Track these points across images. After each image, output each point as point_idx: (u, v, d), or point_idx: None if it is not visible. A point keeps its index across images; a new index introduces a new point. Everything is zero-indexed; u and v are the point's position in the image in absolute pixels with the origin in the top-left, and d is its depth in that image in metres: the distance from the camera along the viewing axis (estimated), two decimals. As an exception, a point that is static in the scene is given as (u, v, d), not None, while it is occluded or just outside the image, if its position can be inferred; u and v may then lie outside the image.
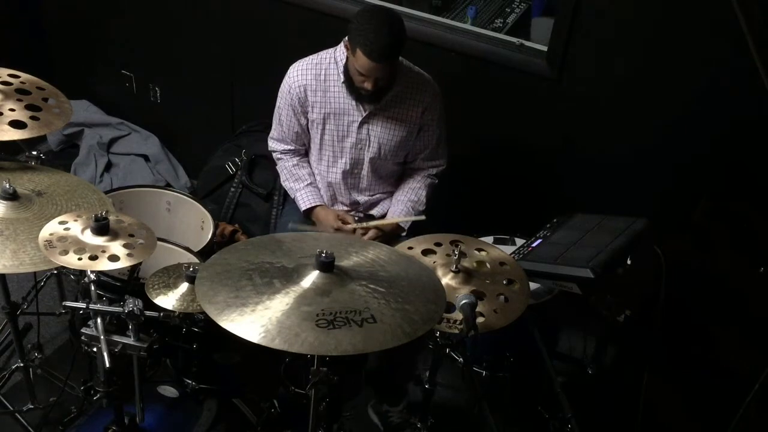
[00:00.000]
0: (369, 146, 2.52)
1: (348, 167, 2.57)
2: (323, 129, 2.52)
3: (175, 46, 3.65)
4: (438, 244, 2.05)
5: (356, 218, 2.60)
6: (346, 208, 2.66)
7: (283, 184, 2.71)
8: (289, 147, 2.64)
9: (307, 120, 2.53)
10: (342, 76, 2.42)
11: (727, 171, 2.62)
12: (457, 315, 1.79)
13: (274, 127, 2.64)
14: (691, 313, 2.54)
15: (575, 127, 2.83)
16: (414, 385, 2.57)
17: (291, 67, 2.51)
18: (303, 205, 2.61)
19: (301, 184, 2.63)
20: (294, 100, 2.49)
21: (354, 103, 2.46)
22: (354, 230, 2.50)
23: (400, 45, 2.30)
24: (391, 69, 2.35)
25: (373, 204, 2.67)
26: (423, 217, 2.51)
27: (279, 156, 2.68)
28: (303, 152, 2.66)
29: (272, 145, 2.69)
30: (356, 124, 2.48)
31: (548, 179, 2.96)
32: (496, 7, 3.08)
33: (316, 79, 2.46)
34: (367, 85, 2.33)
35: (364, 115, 2.47)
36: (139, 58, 3.81)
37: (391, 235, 2.55)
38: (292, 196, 2.67)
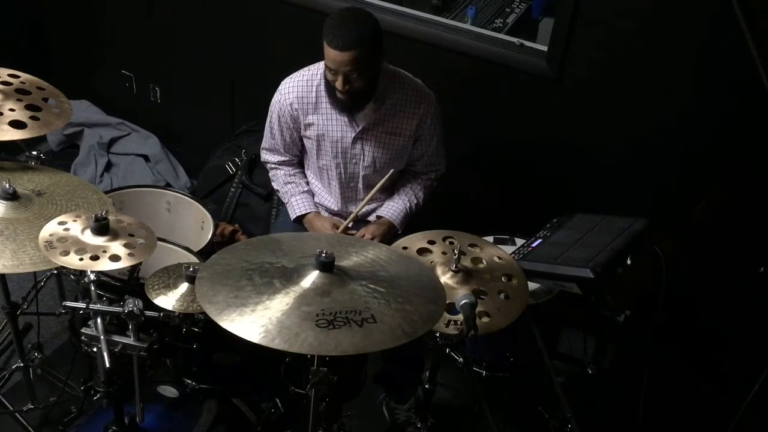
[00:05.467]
0: (363, 160, 2.50)
1: (344, 181, 2.56)
2: (318, 146, 2.51)
3: (176, 46, 3.65)
4: (432, 242, 2.05)
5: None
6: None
7: (277, 191, 2.71)
8: (283, 158, 2.63)
9: (301, 134, 2.53)
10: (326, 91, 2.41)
11: (727, 170, 2.62)
12: (461, 316, 1.78)
13: (266, 138, 2.62)
14: (691, 312, 2.55)
15: (575, 126, 2.83)
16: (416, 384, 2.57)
17: (282, 83, 2.48)
18: (296, 212, 2.60)
19: (297, 189, 2.63)
20: (286, 116, 2.49)
21: (346, 119, 2.43)
22: (344, 230, 2.51)
23: (366, 35, 2.24)
24: (360, 66, 2.25)
25: (369, 213, 2.65)
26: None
27: (273, 166, 2.68)
28: (296, 162, 2.66)
29: (265, 156, 2.68)
30: (349, 140, 2.46)
31: (548, 179, 2.96)
32: (496, 7, 3.08)
33: (306, 97, 2.44)
34: (337, 84, 2.28)
35: (357, 131, 2.44)
36: (139, 58, 3.82)
37: (388, 236, 2.54)
38: (285, 202, 2.67)
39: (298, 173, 2.67)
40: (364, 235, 2.51)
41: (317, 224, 2.57)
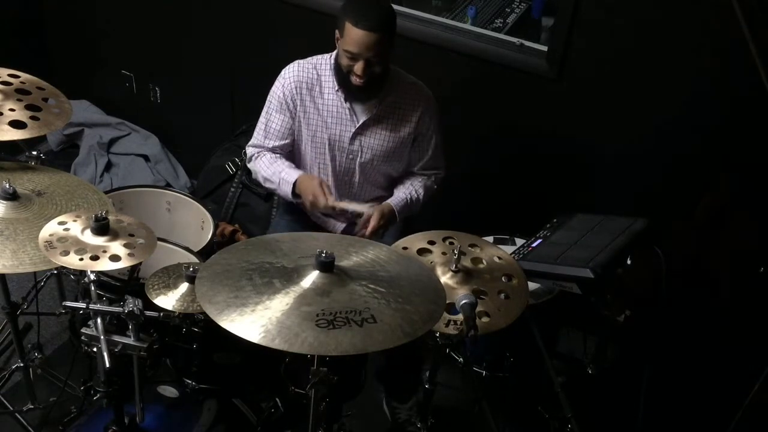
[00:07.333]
0: (361, 156, 2.48)
1: (339, 176, 2.53)
2: (314, 137, 2.46)
3: (176, 46, 3.65)
4: (432, 242, 2.04)
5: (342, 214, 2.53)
6: (339, 219, 2.62)
7: (262, 175, 2.52)
8: (267, 148, 2.53)
9: (296, 123, 2.47)
10: (336, 83, 2.37)
11: (727, 170, 2.62)
12: (461, 316, 1.78)
13: (257, 133, 2.53)
14: (691, 313, 2.55)
15: (575, 126, 2.83)
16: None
17: (285, 69, 2.45)
18: (292, 179, 2.43)
19: (283, 165, 2.49)
20: (287, 99, 2.42)
21: (348, 113, 2.41)
22: (327, 205, 2.36)
23: (390, 20, 2.24)
24: (382, 51, 2.24)
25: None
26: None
27: (257, 153, 2.54)
28: (278, 152, 2.54)
29: (251, 150, 2.56)
30: (349, 135, 2.44)
31: (548, 179, 2.96)
32: (496, 7, 3.08)
33: (310, 83, 2.41)
34: (357, 69, 2.24)
35: (358, 126, 2.42)
36: (139, 58, 3.81)
37: (387, 219, 2.48)
38: (276, 181, 2.47)
39: (280, 156, 2.53)
40: (369, 223, 2.42)
41: (304, 186, 2.40)
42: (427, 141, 2.53)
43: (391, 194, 2.58)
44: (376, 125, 2.44)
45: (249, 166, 2.61)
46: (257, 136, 2.55)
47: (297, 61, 2.45)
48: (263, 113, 2.52)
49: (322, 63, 2.43)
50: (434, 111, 2.49)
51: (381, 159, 2.50)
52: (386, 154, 2.49)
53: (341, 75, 2.33)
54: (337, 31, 2.29)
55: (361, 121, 2.42)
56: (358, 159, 2.49)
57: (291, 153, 2.58)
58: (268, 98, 2.50)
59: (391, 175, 2.60)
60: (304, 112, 2.45)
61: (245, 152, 3.29)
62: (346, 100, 2.39)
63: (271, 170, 2.49)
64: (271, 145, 2.53)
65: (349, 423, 2.26)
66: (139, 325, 1.73)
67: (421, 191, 2.58)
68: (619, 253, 2.15)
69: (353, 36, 2.20)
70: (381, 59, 2.27)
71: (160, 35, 3.67)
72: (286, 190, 2.46)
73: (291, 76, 2.43)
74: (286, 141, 2.52)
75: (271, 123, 2.49)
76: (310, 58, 2.46)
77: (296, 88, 2.42)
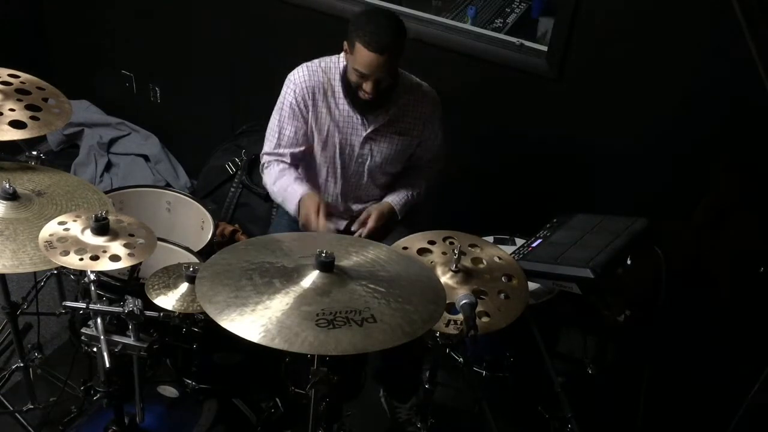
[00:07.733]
0: (370, 160, 2.48)
1: (348, 178, 2.53)
2: (325, 141, 2.45)
3: (175, 46, 3.65)
4: (432, 242, 2.04)
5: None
6: (342, 218, 2.62)
7: (269, 188, 2.52)
8: (285, 160, 2.50)
9: (310, 129, 2.45)
10: (342, 89, 2.37)
11: (727, 170, 2.62)
12: (461, 316, 1.78)
13: (269, 142, 2.49)
14: (691, 312, 2.55)
15: (575, 126, 2.83)
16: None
17: (293, 73, 2.41)
18: (295, 199, 2.42)
19: (289, 181, 2.47)
20: (300, 105, 2.40)
21: (359, 118, 2.41)
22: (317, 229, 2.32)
23: (400, 39, 2.24)
24: (391, 68, 2.27)
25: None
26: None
27: (270, 161, 2.52)
28: (288, 162, 2.51)
29: (265, 159, 2.53)
30: (359, 140, 2.44)
31: (548, 179, 2.96)
32: (496, 7, 3.09)
33: (322, 87, 2.39)
34: (367, 87, 2.25)
35: (368, 131, 2.42)
36: (139, 58, 3.81)
37: (387, 219, 2.49)
38: (281, 199, 2.49)
39: (288, 168, 2.51)
40: (366, 222, 2.45)
41: (307, 203, 2.39)
42: (433, 140, 2.55)
43: (392, 192, 2.59)
44: (385, 130, 2.44)
45: (262, 174, 2.57)
46: (270, 144, 2.51)
47: (304, 65, 2.42)
48: (275, 121, 2.48)
49: (332, 67, 2.40)
50: (439, 111, 2.51)
51: (389, 161, 2.51)
52: (394, 156, 2.50)
53: (350, 87, 2.34)
54: (346, 44, 2.27)
55: (371, 127, 2.42)
56: (368, 162, 2.49)
57: (303, 155, 2.54)
58: (278, 105, 2.46)
59: (395, 174, 2.61)
60: (316, 116, 2.43)
61: (245, 152, 3.34)
62: (355, 108, 2.39)
63: (278, 186, 2.48)
64: (285, 153, 2.50)
65: (349, 423, 2.26)
66: (139, 325, 1.73)
67: (423, 185, 2.60)
68: (619, 253, 2.15)
69: (364, 57, 2.19)
70: (390, 75, 2.28)
71: (160, 35, 3.67)
72: (290, 208, 2.46)
73: (302, 81, 2.39)
74: (301, 148, 2.49)
75: (284, 131, 2.46)
76: (317, 60, 2.43)
77: (308, 93, 2.39)
